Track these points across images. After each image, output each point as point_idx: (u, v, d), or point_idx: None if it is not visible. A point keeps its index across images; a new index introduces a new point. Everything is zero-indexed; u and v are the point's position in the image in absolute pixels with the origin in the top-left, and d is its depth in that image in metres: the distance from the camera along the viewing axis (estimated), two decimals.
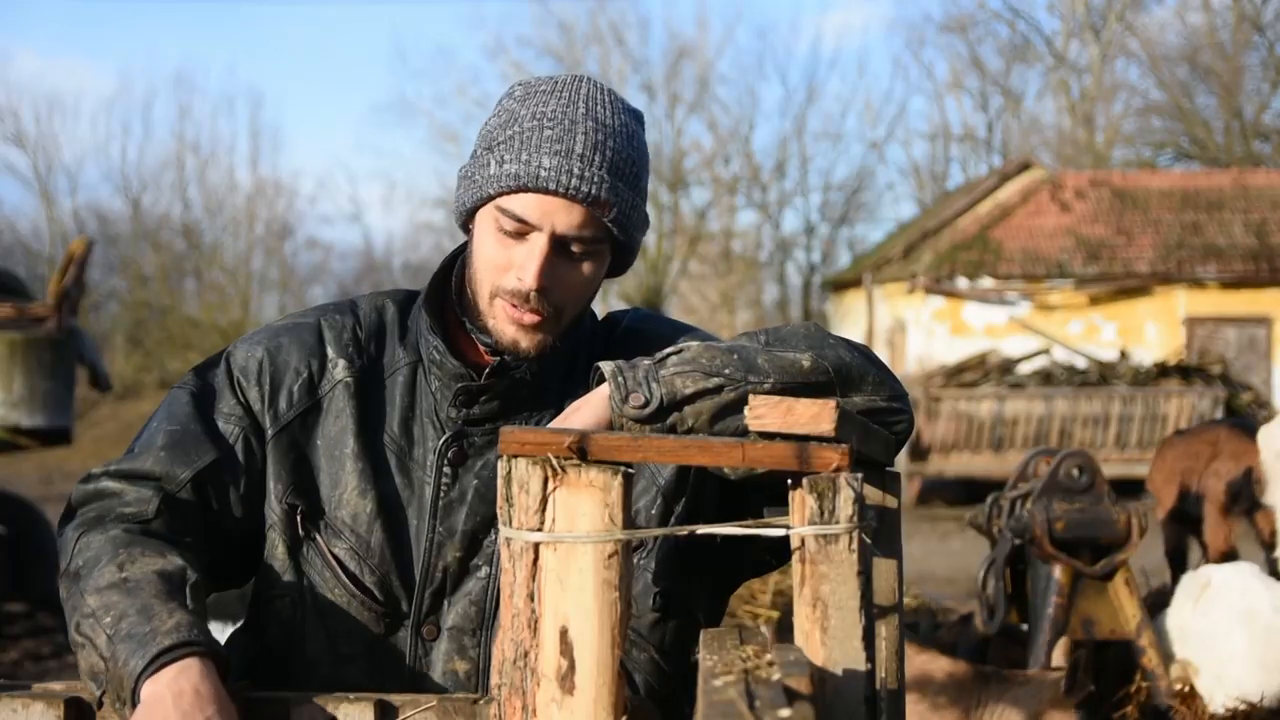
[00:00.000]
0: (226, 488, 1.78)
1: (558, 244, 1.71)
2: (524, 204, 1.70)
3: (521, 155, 1.70)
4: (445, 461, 1.78)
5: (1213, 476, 5.11)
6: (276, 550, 1.80)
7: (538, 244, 1.70)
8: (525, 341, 1.75)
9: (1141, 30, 35.26)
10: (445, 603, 1.78)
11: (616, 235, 1.75)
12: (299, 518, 1.79)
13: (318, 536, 1.79)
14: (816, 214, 36.99)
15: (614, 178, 1.71)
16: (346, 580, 1.77)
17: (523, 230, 1.71)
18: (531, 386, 1.78)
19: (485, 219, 1.75)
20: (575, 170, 1.68)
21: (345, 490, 1.79)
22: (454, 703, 1.60)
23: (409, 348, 1.85)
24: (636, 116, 1.80)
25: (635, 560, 1.77)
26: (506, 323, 1.75)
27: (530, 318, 1.73)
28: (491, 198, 1.73)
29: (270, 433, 1.80)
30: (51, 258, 31.46)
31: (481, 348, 1.81)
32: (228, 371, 1.83)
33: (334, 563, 1.78)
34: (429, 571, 1.77)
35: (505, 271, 1.73)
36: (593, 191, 1.69)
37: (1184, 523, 5.47)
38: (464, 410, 1.78)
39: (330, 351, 1.84)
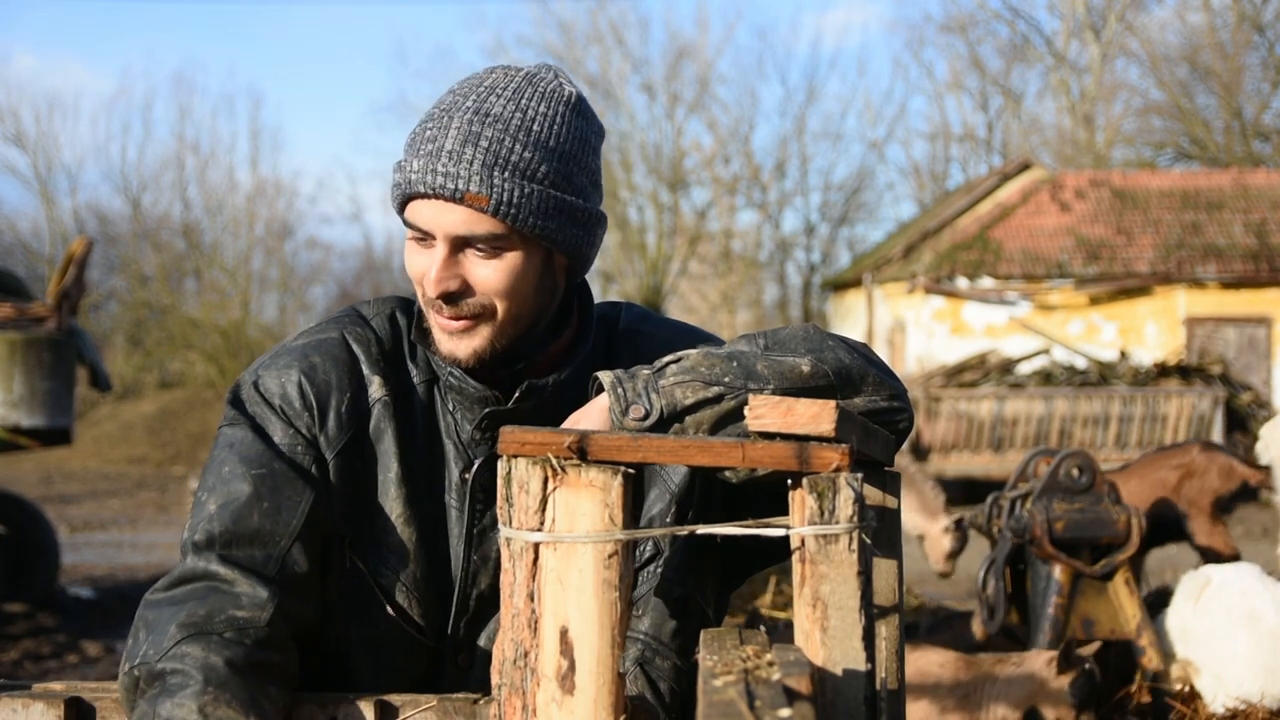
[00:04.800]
0: (325, 524, 1.69)
1: (458, 246, 1.66)
2: (414, 212, 1.66)
3: (403, 162, 1.66)
4: (480, 488, 1.73)
5: (1198, 492, 5.10)
6: (324, 581, 1.71)
7: (435, 250, 1.66)
8: (460, 350, 1.69)
9: (1141, 30, 35.28)
10: (478, 629, 1.75)
11: (514, 227, 1.65)
12: (347, 549, 1.72)
13: (364, 568, 1.72)
14: (816, 214, 37.04)
15: (488, 168, 1.62)
16: (394, 615, 1.72)
17: (425, 238, 1.67)
18: (555, 402, 1.71)
19: (407, 232, 1.72)
20: (440, 168, 1.62)
21: (390, 517, 1.72)
22: (454, 703, 1.60)
23: (420, 364, 1.78)
24: (563, 101, 1.69)
25: (653, 569, 1.76)
26: (440, 333, 1.71)
27: (455, 324, 1.68)
28: (399, 212, 1.70)
29: (329, 459, 1.71)
30: (51, 258, 31.47)
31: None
32: (267, 404, 1.71)
33: (381, 596, 1.72)
34: (465, 600, 1.74)
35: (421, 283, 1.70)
36: (459, 186, 1.62)
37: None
38: (489, 434, 1.72)
39: (365, 369, 1.75)
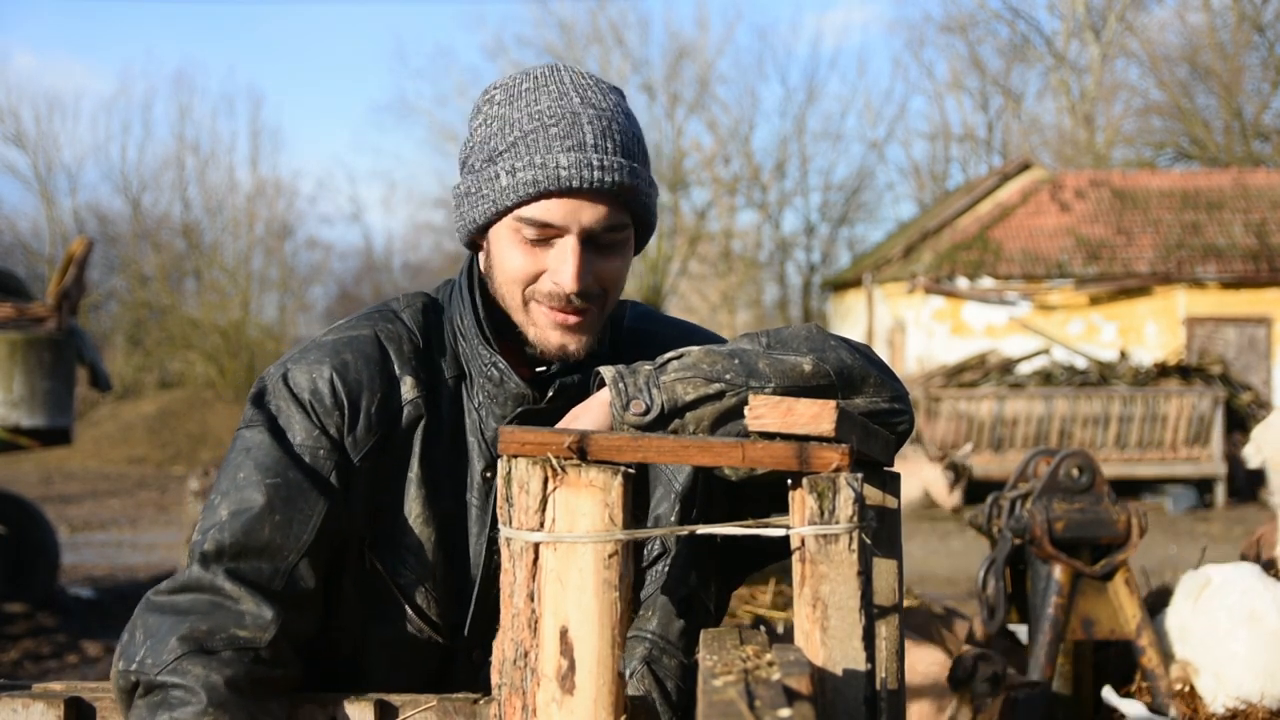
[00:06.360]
0: (336, 534, 1.68)
1: (586, 240, 1.66)
2: (546, 209, 1.64)
3: (535, 159, 1.63)
4: None
5: None
6: (341, 583, 1.71)
7: (568, 246, 1.65)
8: (573, 344, 1.70)
9: (1141, 30, 35.27)
10: (494, 625, 1.76)
11: (640, 215, 1.71)
12: (366, 549, 1.71)
13: (382, 569, 1.71)
14: (816, 214, 37.04)
15: (628, 159, 1.66)
16: (413, 615, 1.72)
17: (549, 235, 1.66)
18: (577, 400, 1.69)
19: (503, 231, 1.69)
20: (594, 162, 1.63)
21: (410, 517, 1.71)
22: (454, 703, 1.60)
23: (449, 360, 1.78)
24: (619, 92, 1.75)
25: (660, 568, 1.77)
26: (550, 328, 1.69)
27: (573, 318, 1.68)
28: (509, 209, 1.66)
29: (355, 461, 1.69)
30: (51, 258, 31.45)
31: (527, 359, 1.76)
32: (295, 399, 1.69)
33: (400, 597, 1.71)
34: (484, 597, 1.73)
35: (536, 279, 1.67)
36: (615, 179, 1.64)
37: None
38: None
39: (396, 367, 1.74)
